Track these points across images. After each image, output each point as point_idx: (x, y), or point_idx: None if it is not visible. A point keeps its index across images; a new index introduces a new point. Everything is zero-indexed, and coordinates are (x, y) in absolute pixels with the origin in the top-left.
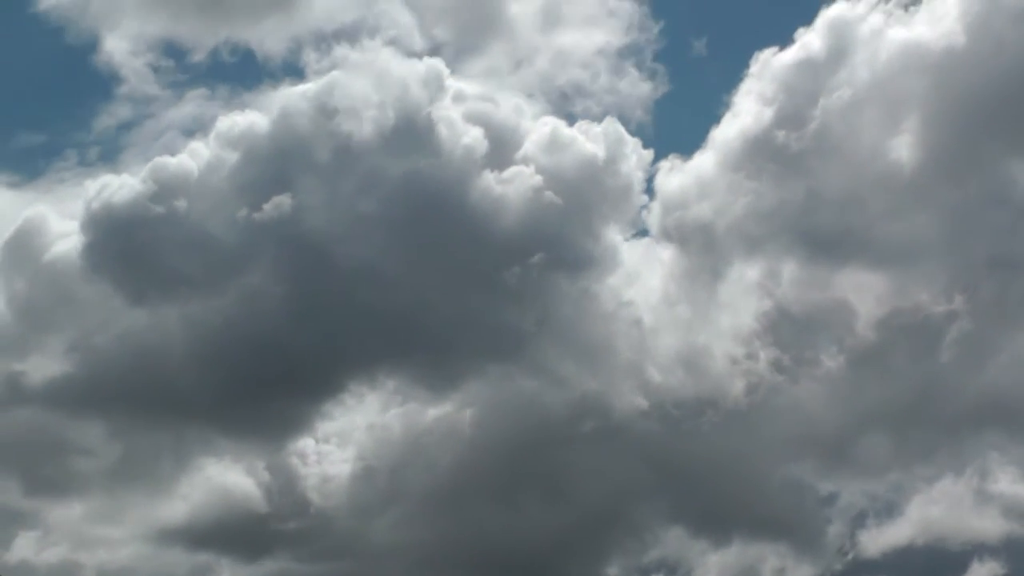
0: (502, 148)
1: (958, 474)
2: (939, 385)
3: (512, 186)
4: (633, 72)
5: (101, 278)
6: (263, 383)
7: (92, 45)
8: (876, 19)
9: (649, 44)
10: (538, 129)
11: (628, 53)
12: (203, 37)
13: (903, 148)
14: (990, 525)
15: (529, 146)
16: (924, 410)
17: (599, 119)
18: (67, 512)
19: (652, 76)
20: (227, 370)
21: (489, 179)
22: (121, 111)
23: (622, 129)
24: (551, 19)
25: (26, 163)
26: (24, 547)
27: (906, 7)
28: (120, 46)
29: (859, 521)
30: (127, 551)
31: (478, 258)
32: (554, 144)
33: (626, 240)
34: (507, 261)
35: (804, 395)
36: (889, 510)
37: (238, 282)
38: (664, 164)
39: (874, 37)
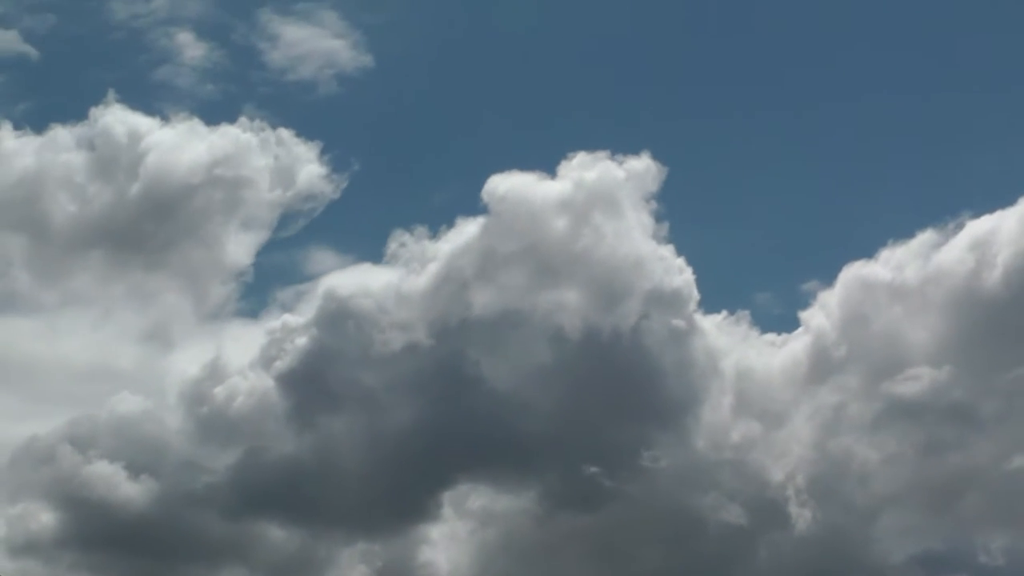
0: None
1: None
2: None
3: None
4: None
5: (273, 406)
6: (401, 488)
7: None
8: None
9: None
10: None
11: None
12: None
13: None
14: None
15: None
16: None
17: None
18: None
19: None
20: (369, 477)
21: None
22: None
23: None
24: None
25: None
26: None
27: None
28: None
29: None
30: None
31: (611, 403)
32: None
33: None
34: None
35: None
36: None
37: (394, 401)
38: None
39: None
